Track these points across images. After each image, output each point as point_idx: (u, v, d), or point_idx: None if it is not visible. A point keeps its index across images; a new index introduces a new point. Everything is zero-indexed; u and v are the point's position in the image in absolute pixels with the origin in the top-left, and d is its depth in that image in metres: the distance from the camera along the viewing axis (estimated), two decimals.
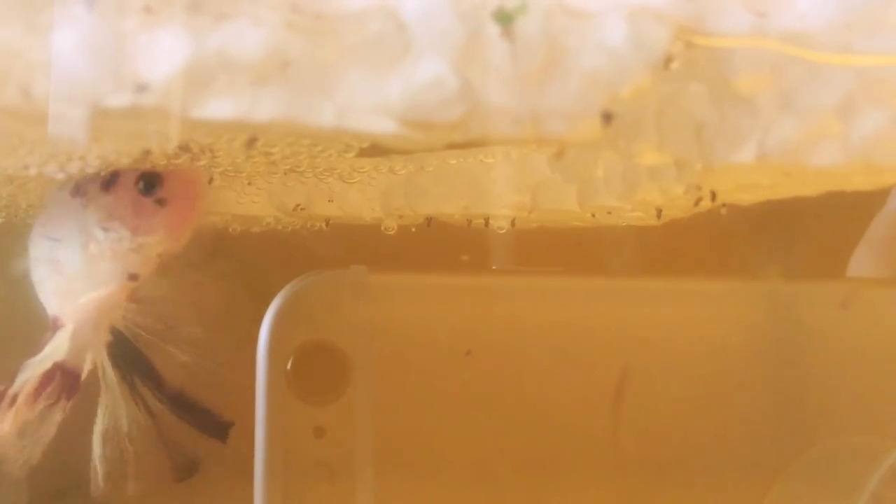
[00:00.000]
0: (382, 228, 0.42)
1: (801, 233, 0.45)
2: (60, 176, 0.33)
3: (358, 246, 0.43)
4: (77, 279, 0.37)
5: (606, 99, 0.30)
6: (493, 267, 0.42)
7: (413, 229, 0.42)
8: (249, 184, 0.40)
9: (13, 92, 0.29)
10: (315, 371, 0.36)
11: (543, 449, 0.39)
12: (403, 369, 0.37)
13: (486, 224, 0.42)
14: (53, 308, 0.37)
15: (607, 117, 0.31)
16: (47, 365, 0.37)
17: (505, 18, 0.30)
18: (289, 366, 0.35)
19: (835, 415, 0.41)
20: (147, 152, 0.32)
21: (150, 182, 0.36)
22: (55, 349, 0.37)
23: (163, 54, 0.28)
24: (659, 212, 0.40)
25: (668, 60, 0.31)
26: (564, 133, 0.30)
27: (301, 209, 0.41)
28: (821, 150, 0.33)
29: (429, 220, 0.42)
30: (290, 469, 0.35)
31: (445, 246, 0.43)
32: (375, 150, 0.35)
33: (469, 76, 0.29)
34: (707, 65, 0.32)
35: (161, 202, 0.36)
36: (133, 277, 0.37)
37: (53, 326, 0.37)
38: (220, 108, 0.29)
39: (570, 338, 0.39)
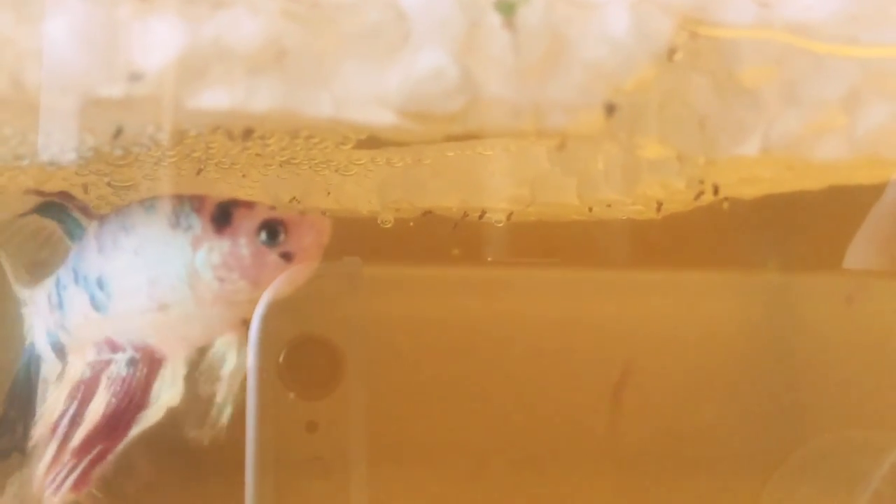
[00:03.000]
0: (379, 221, 0.41)
1: (802, 226, 0.45)
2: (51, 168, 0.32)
3: (354, 239, 0.42)
4: (183, 319, 0.34)
5: (609, 91, 0.30)
6: (489, 259, 0.42)
7: (411, 223, 0.42)
8: (244, 176, 0.39)
9: (4, 81, 0.28)
10: (307, 365, 0.35)
11: (539, 442, 0.39)
12: (397, 363, 0.37)
13: (481, 217, 0.42)
14: (143, 337, 0.35)
15: (610, 109, 0.30)
16: (162, 411, 0.35)
17: (507, 8, 0.29)
18: (281, 359, 0.35)
19: (835, 409, 0.41)
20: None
21: (272, 231, 0.34)
22: (173, 389, 0.35)
23: (157, 43, 0.28)
24: (659, 205, 0.40)
25: (671, 51, 0.31)
26: (566, 125, 0.30)
27: (296, 202, 0.41)
28: (825, 143, 0.33)
29: (426, 213, 0.42)
30: (283, 464, 0.35)
31: (442, 239, 0.42)
32: (372, 142, 0.34)
33: (470, 67, 0.29)
34: (711, 56, 0.32)
35: (286, 257, 0.34)
36: (246, 323, 0.34)
37: (148, 359, 0.35)
38: (215, 98, 0.28)
39: (568, 330, 0.39)
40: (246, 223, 0.34)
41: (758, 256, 0.45)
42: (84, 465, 0.34)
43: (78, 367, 0.36)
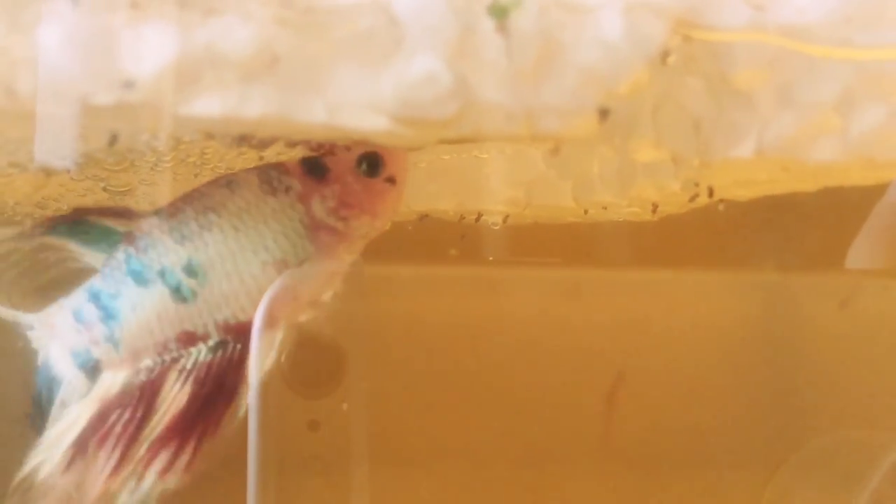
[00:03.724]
0: None
1: (798, 226, 0.45)
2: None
3: None
4: (300, 278, 0.35)
5: (603, 95, 0.30)
6: (490, 258, 0.42)
7: (410, 227, 0.42)
8: None
9: None
10: (309, 364, 0.35)
11: (538, 441, 0.39)
12: (399, 362, 0.37)
13: (477, 220, 0.42)
14: (236, 314, 0.35)
15: (603, 113, 0.30)
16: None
17: (499, 13, 0.29)
18: (282, 359, 0.35)
19: (834, 408, 0.41)
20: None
21: (372, 161, 0.35)
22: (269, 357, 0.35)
23: (149, 50, 0.28)
24: (654, 207, 0.40)
25: (665, 55, 0.31)
26: (560, 130, 0.30)
27: None
28: (820, 145, 0.33)
29: (423, 217, 0.42)
30: (284, 462, 0.35)
31: (440, 242, 0.42)
32: (368, 145, 0.34)
33: (463, 72, 0.29)
34: (705, 59, 0.32)
35: (391, 180, 0.36)
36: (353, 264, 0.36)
37: (240, 338, 0.35)
38: (208, 105, 0.28)
39: (567, 329, 0.39)
40: (343, 163, 0.35)
41: (755, 255, 0.45)
42: (189, 448, 0.34)
43: (114, 381, 0.35)
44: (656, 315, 0.40)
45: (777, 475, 0.39)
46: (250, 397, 0.34)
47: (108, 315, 0.35)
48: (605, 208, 0.41)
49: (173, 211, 0.36)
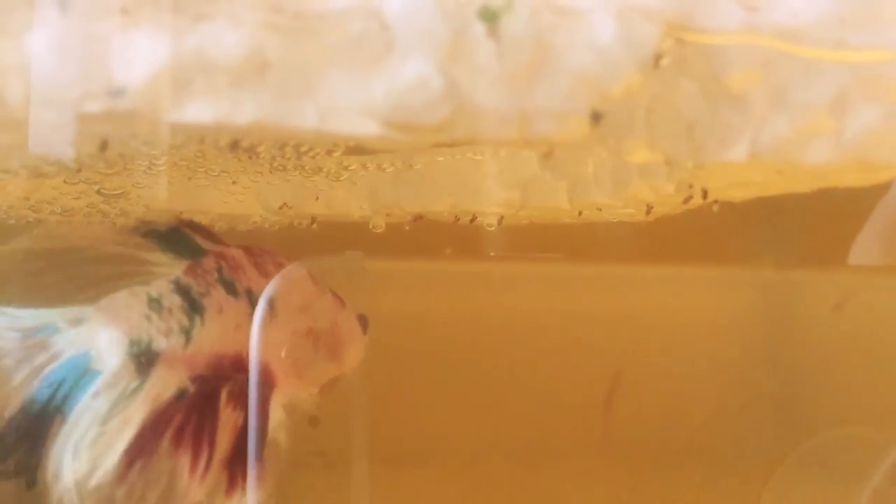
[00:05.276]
0: (370, 226, 0.41)
1: (795, 224, 0.44)
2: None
3: (346, 244, 0.42)
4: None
5: (595, 98, 0.30)
6: (491, 253, 0.41)
7: (407, 227, 0.41)
8: (234, 183, 0.39)
9: None
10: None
11: (538, 437, 0.39)
12: (399, 357, 0.37)
13: (472, 221, 0.42)
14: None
15: (596, 117, 0.30)
16: None
17: (490, 17, 0.29)
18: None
19: (832, 405, 0.41)
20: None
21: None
22: None
23: (139, 57, 0.28)
24: (649, 208, 0.40)
25: (658, 58, 0.31)
26: (553, 133, 0.30)
27: (287, 207, 0.41)
28: (814, 147, 0.33)
29: (417, 218, 0.42)
30: (285, 458, 0.35)
31: (434, 244, 0.42)
32: (362, 148, 0.34)
33: (454, 76, 0.29)
34: (698, 62, 0.31)
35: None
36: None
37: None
38: (199, 111, 0.28)
39: (566, 325, 0.39)
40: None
41: (752, 252, 0.45)
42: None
43: (167, 382, 0.35)
44: (655, 312, 0.40)
45: (776, 472, 0.39)
46: (250, 392, 0.34)
47: (193, 308, 0.36)
48: (600, 209, 0.41)
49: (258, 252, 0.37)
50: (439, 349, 0.38)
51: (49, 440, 0.34)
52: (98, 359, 0.35)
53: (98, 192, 0.38)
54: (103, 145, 0.30)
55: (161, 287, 0.36)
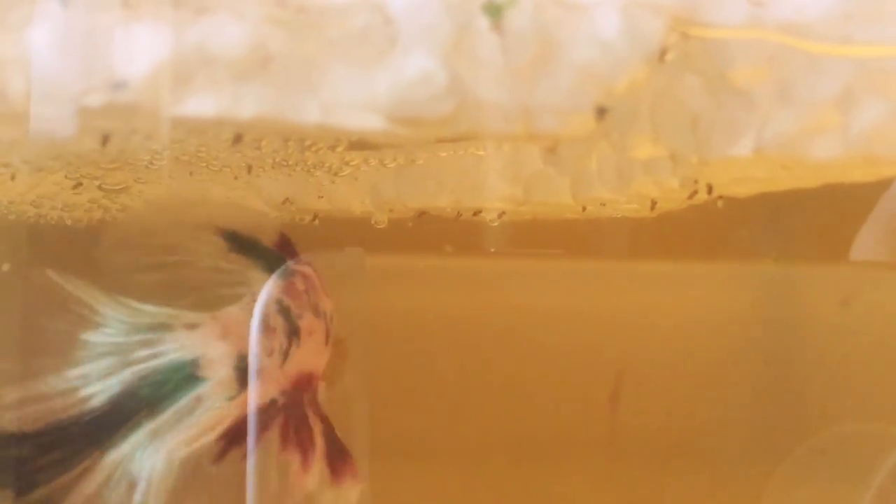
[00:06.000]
0: (373, 222, 0.41)
1: (799, 219, 0.44)
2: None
3: (348, 240, 0.42)
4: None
5: (600, 93, 0.30)
6: (492, 250, 0.41)
7: (410, 223, 0.41)
8: (236, 178, 0.39)
9: None
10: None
11: (540, 435, 0.39)
12: (400, 353, 0.37)
13: (475, 216, 0.41)
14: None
15: (601, 112, 0.30)
16: None
17: (494, 11, 0.29)
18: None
19: (837, 401, 0.41)
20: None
21: None
22: None
23: (141, 50, 0.28)
24: (653, 204, 0.40)
25: (663, 52, 0.30)
26: (557, 128, 0.30)
27: (290, 203, 0.41)
28: (820, 142, 0.33)
29: (420, 214, 0.41)
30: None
31: (437, 240, 0.42)
32: (365, 143, 0.34)
33: (458, 71, 0.29)
34: (703, 56, 0.31)
35: None
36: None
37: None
38: (201, 105, 0.28)
39: (568, 322, 0.39)
40: None
41: (756, 248, 0.45)
42: None
43: (265, 392, 0.36)
44: (660, 308, 0.40)
45: (781, 469, 0.39)
46: (249, 389, 0.34)
47: (292, 330, 0.36)
48: (604, 205, 0.40)
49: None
50: (442, 345, 0.38)
51: (129, 430, 0.35)
52: (206, 367, 0.36)
53: (99, 187, 0.38)
54: (105, 140, 0.30)
55: (269, 306, 0.36)
